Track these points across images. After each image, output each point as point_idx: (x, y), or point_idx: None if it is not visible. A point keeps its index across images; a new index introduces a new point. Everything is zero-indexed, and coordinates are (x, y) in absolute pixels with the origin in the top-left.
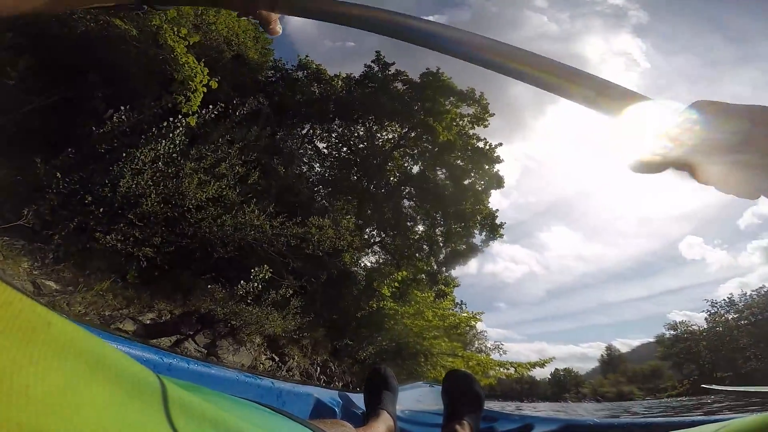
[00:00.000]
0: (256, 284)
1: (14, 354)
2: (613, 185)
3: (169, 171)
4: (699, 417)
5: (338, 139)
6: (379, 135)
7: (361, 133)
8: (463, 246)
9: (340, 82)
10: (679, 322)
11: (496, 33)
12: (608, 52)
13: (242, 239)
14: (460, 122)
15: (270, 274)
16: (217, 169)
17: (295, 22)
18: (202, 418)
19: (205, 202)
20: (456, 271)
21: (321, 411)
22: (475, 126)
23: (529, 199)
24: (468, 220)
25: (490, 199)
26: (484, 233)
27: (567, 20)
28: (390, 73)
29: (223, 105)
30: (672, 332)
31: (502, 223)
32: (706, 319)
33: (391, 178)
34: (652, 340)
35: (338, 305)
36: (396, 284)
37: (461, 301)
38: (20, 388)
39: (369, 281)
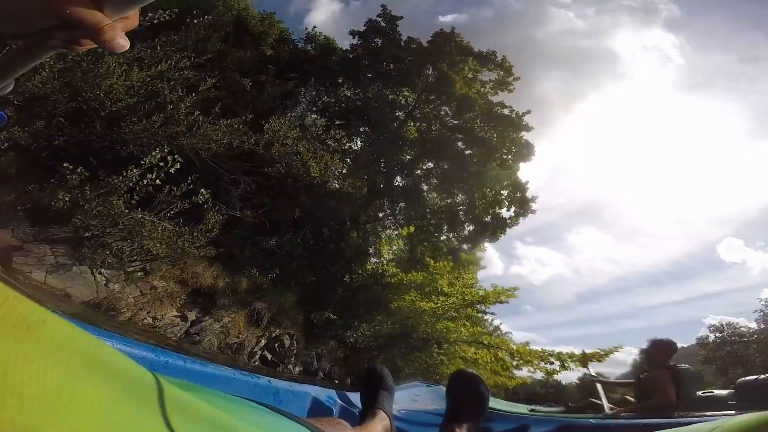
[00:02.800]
0: (148, 177)
1: (8, 352)
2: (646, 186)
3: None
4: (695, 418)
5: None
6: (391, 97)
7: (371, 95)
8: (488, 217)
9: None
10: (726, 324)
11: (520, 31)
12: (640, 47)
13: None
14: (482, 89)
15: (177, 166)
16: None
17: None
18: (199, 416)
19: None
20: (481, 273)
21: (318, 409)
22: (498, 92)
23: (558, 200)
24: (493, 188)
25: (518, 169)
26: (513, 209)
27: (593, 15)
28: (397, 26)
29: None
30: (717, 334)
31: (533, 197)
32: (756, 320)
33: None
34: (687, 344)
35: (316, 259)
36: (400, 244)
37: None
38: (14, 387)
39: (361, 235)
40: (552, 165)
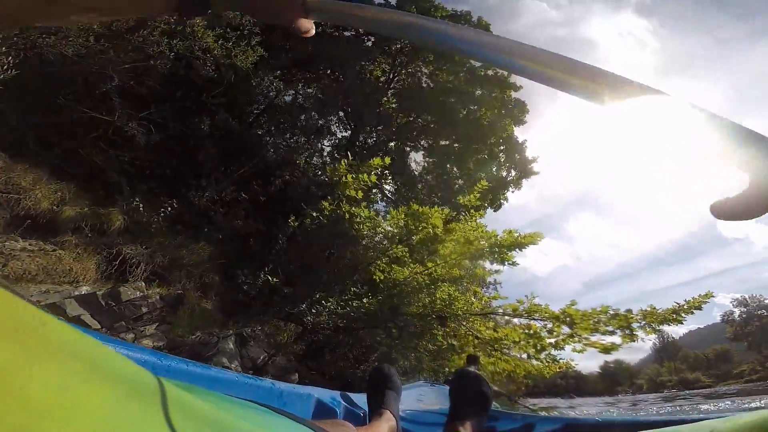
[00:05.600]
0: None
1: (10, 355)
2: (638, 170)
3: None
4: (701, 415)
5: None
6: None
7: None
8: (482, 174)
9: None
10: (749, 297)
11: (497, 24)
12: (615, 33)
13: None
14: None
15: None
16: None
17: None
18: (202, 419)
19: None
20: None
21: (322, 411)
22: None
23: (553, 191)
24: (487, 144)
25: (513, 126)
26: (513, 172)
27: (566, 5)
28: None
29: None
30: (743, 309)
31: (534, 158)
32: None
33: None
34: (704, 325)
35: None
36: (372, 179)
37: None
38: (16, 390)
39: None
40: (543, 156)
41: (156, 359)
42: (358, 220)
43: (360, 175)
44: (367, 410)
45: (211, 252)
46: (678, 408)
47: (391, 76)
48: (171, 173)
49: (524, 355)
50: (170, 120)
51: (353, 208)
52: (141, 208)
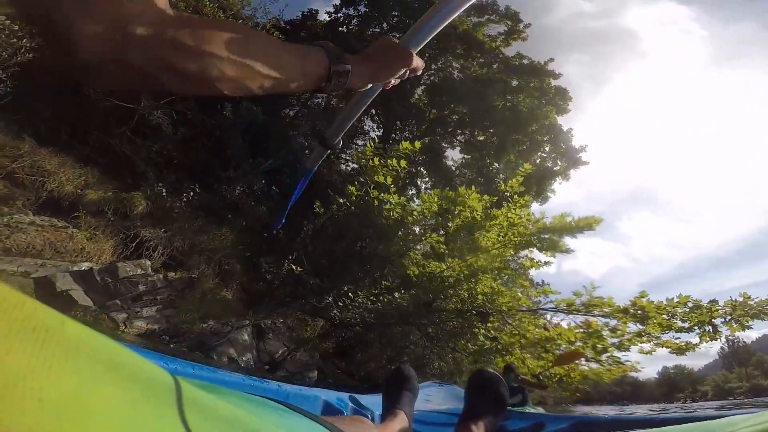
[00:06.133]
0: None
1: (28, 357)
2: (697, 163)
3: None
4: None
5: None
6: None
7: None
8: (523, 161)
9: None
10: None
11: (528, 20)
12: (656, 23)
13: None
14: (492, 43)
15: None
16: None
17: None
18: (218, 417)
19: None
20: (532, 273)
21: (328, 413)
22: (511, 42)
23: (602, 188)
24: (528, 132)
25: (556, 115)
26: (560, 163)
27: None
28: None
29: None
30: None
31: (582, 146)
32: None
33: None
34: None
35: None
36: (402, 165)
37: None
38: (32, 392)
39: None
40: (588, 152)
41: (162, 363)
42: (387, 206)
43: (389, 160)
44: (374, 412)
45: (234, 239)
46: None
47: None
48: (200, 166)
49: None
50: (195, 111)
51: (382, 194)
52: (164, 193)
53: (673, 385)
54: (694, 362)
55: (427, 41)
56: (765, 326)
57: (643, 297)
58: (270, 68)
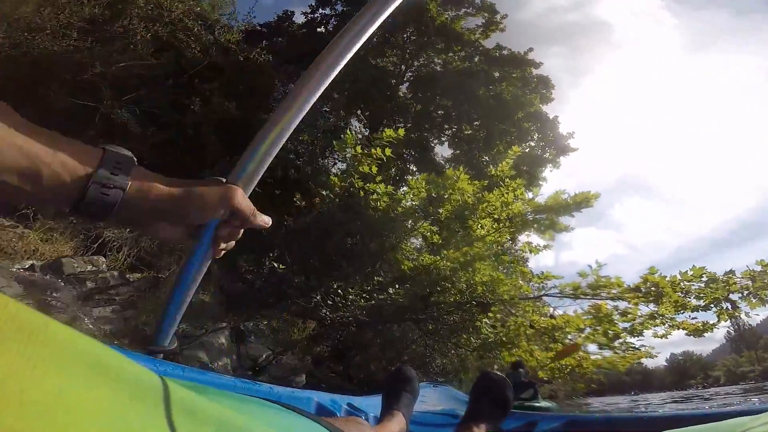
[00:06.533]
0: None
1: (12, 357)
2: (683, 146)
3: None
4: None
5: None
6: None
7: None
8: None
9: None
10: None
11: (506, 19)
12: (628, 13)
13: None
14: (471, 35)
15: None
16: None
17: None
18: (207, 419)
19: None
20: (531, 263)
21: (322, 415)
22: (490, 34)
23: (592, 178)
24: (514, 120)
25: (540, 104)
26: (551, 150)
27: None
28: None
29: None
30: None
31: (570, 133)
32: None
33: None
34: None
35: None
36: (387, 153)
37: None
38: (14, 394)
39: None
40: (576, 140)
41: (153, 366)
42: (374, 197)
43: (373, 150)
44: (368, 414)
45: None
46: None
47: (402, 68)
48: (173, 166)
49: (592, 346)
50: (164, 108)
51: (368, 185)
52: None
53: (684, 372)
54: (701, 347)
55: (257, 179)
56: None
57: (654, 273)
58: None
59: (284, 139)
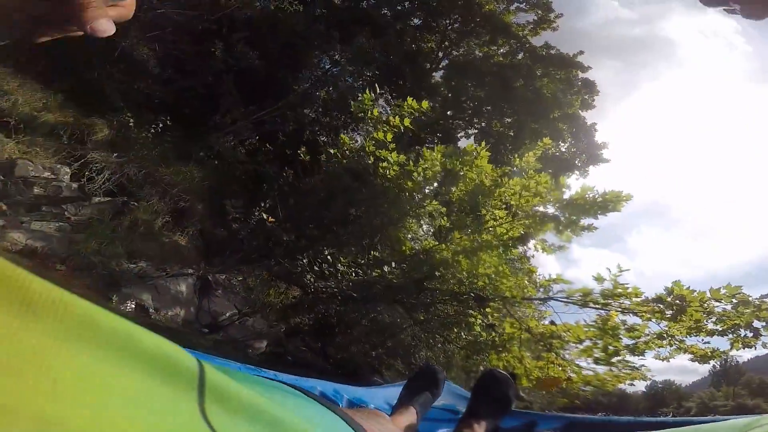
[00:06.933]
0: None
1: (43, 334)
2: (717, 181)
3: None
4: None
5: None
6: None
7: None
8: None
9: None
10: None
11: (562, 24)
12: (697, 33)
13: None
14: (519, 31)
15: None
16: None
17: None
18: (240, 407)
19: None
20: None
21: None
22: (540, 32)
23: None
24: (549, 119)
25: (580, 109)
26: (582, 157)
27: (639, 3)
28: None
29: None
30: None
31: (604, 143)
32: None
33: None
34: None
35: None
36: (406, 123)
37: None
38: (47, 372)
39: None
40: (606, 153)
41: None
42: (384, 164)
43: (390, 118)
44: (370, 405)
45: (201, 177)
46: None
47: (439, 55)
48: (185, 109)
49: (587, 360)
50: (189, 55)
51: (379, 151)
52: (131, 123)
53: (660, 400)
54: (682, 378)
55: None
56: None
57: (677, 287)
58: None
59: None
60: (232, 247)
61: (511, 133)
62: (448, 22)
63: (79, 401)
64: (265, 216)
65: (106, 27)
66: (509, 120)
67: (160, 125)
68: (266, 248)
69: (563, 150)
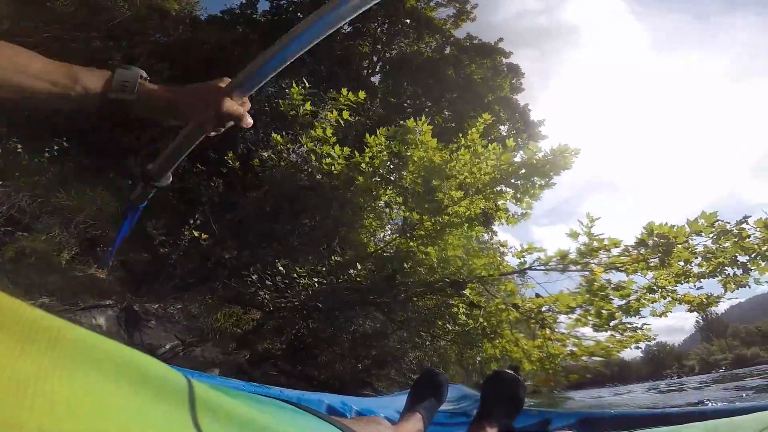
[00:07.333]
0: None
1: (40, 357)
2: (647, 141)
3: None
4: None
5: None
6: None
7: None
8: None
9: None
10: None
11: (478, 17)
12: (595, 16)
13: None
14: (442, 25)
15: None
16: None
17: None
18: (230, 418)
19: None
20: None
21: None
22: (461, 23)
23: (561, 178)
24: (485, 102)
25: (510, 92)
26: (523, 136)
27: None
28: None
29: None
30: None
31: (541, 120)
32: None
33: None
34: (744, 299)
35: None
36: (345, 116)
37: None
38: (44, 393)
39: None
40: (544, 130)
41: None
42: (328, 161)
43: (328, 113)
44: (378, 415)
45: (114, 200)
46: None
47: (374, 59)
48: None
49: (583, 330)
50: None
51: (319, 147)
52: (19, 149)
53: (659, 363)
54: (673, 338)
55: (260, 85)
56: (731, 296)
57: (654, 227)
58: (18, 75)
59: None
60: (163, 274)
61: (453, 125)
62: (376, 24)
63: (77, 417)
64: (196, 234)
65: (250, 121)
66: (449, 113)
67: (56, 147)
68: (206, 269)
69: (504, 133)
